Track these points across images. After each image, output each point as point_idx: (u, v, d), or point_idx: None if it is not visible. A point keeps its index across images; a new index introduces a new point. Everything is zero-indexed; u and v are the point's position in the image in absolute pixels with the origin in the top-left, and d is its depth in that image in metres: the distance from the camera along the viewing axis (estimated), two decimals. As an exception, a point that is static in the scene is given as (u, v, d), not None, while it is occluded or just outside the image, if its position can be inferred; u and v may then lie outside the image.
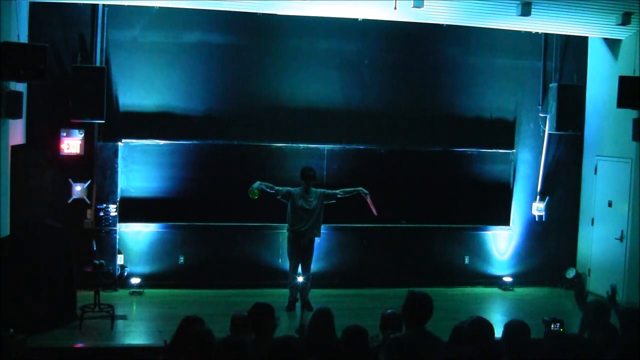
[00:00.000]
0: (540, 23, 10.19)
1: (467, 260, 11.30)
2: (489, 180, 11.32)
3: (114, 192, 10.05)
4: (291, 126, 10.66)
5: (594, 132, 11.31)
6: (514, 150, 11.37)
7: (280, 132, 10.66)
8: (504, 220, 11.40)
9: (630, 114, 10.13)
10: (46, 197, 9.74)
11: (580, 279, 6.14)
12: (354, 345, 4.77)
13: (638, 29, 10.15)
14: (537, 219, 11.40)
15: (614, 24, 9.81)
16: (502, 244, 11.41)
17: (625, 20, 9.60)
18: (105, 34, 9.96)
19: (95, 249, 9.64)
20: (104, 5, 9.83)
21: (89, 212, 9.97)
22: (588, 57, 11.35)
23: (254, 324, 5.04)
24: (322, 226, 9.70)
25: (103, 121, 9.66)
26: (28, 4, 9.36)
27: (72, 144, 9.79)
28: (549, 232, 11.43)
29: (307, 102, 10.68)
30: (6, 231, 8.55)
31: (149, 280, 10.22)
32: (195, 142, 10.43)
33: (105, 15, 9.92)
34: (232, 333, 5.57)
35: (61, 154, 9.78)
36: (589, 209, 11.35)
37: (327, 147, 10.77)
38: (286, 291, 9.71)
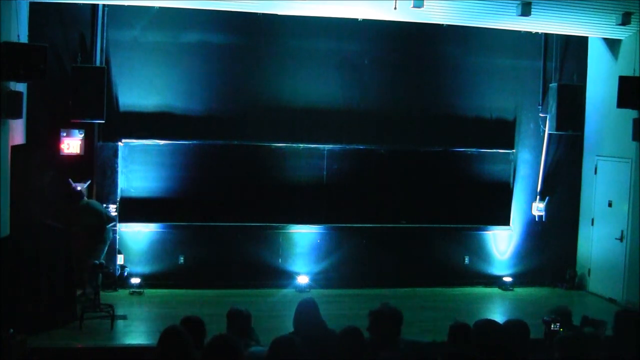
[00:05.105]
0: (540, 23, 10.18)
1: (467, 260, 11.30)
2: (489, 180, 11.31)
3: (114, 192, 10.04)
4: (291, 126, 10.66)
5: (594, 132, 11.31)
6: (514, 150, 11.36)
7: (280, 132, 10.65)
8: (504, 220, 11.40)
9: (630, 114, 10.14)
10: (46, 197, 9.73)
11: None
12: (350, 346, 4.75)
13: (638, 29, 10.15)
14: (537, 219, 11.39)
15: (614, 24, 9.81)
16: (502, 244, 11.40)
17: (625, 20, 9.60)
18: (105, 34, 9.96)
19: (95, 249, 9.63)
20: (104, 5, 9.84)
21: (89, 212, 9.96)
22: (588, 57, 11.36)
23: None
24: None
25: (103, 121, 9.67)
26: (28, 4, 9.36)
27: (72, 144, 9.79)
28: (549, 232, 11.43)
29: (307, 102, 10.68)
30: (6, 231, 8.54)
31: (149, 280, 10.22)
32: (195, 142, 10.42)
33: (105, 15, 9.93)
34: (229, 328, 5.59)
35: (61, 154, 9.78)
36: (589, 209, 11.35)
37: (327, 147, 10.76)
38: (287, 291, 9.72)
